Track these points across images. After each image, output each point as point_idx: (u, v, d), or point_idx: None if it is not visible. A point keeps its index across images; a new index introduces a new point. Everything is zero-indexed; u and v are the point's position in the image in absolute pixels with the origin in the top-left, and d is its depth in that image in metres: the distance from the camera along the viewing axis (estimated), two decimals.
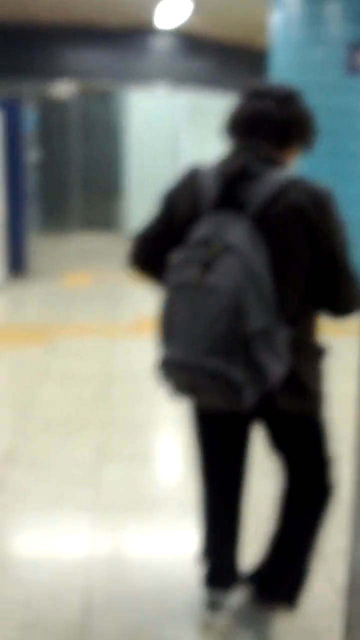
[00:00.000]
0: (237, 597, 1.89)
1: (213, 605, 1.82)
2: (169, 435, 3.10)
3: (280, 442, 1.68)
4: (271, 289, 1.37)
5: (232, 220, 1.38)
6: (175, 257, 1.41)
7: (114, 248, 9.10)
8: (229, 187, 1.43)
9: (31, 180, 6.44)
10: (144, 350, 4.40)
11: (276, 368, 1.39)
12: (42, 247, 7.26)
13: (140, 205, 10.13)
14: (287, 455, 1.70)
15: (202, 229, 1.40)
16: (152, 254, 1.58)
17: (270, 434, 1.67)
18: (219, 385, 1.35)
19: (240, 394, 1.35)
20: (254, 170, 1.43)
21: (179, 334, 1.39)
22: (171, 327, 1.41)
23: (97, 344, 4.48)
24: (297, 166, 1.92)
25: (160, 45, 9.74)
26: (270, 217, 1.40)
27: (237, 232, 1.36)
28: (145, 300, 5.90)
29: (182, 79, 9.81)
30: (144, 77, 9.72)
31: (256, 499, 2.02)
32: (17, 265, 6.37)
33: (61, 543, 2.22)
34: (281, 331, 1.40)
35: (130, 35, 9.50)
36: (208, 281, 1.33)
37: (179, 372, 1.41)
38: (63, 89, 9.58)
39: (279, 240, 1.40)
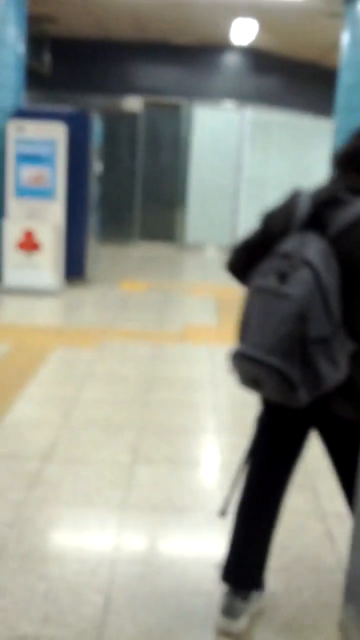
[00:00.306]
0: (256, 604, 1.88)
1: (230, 611, 1.83)
2: (204, 442, 3.12)
3: (335, 452, 1.79)
4: (337, 305, 1.53)
5: (314, 239, 1.56)
6: (261, 265, 1.62)
7: (172, 258, 9.26)
8: (317, 211, 1.62)
9: (95, 190, 6.65)
10: (187, 358, 4.49)
11: (332, 375, 1.53)
12: (101, 255, 7.46)
13: (199, 219, 10.26)
14: (341, 464, 1.80)
15: (287, 244, 1.59)
16: (245, 263, 1.80)
17: (327, 443, 1.80)
18: (277, 381, 1.51)
19: (295, 391, 1.51)
20: (342, 198, 1.61)
21: (251, 331, 1.58)
22: (247, 324, 1.61)
23: (144, 349, 4.57)
24: None
25: (228, 62, 9.86)
26: (346, 242, 1.56)
27: (315, 250, 1.53)
28: (194, 311, 6.02)
29: (249, 95, 9.89)
30: (211, 93, 9.87)
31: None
32: (77, 271, 6.59)
33: (88, 540, 2.27)
34: (342, 343, 1.54)
35: (199, 52, 9.67)
36: (283, 289, 1.51)
37: (245, 364, 1.60)
38: (132, 102, 9.86)
39: (351, 263, 1.55)
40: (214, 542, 2.28)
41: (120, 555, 2.17)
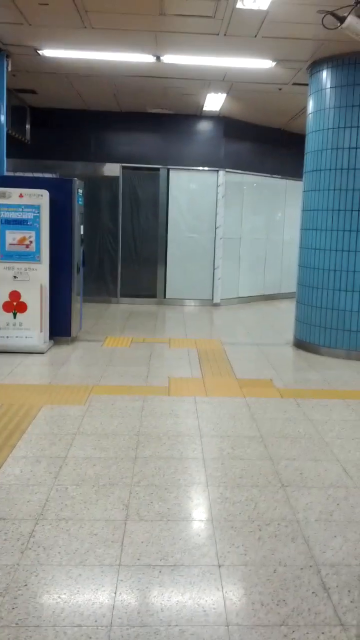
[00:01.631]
0: None
1: None
2: (195, 496, 3.14)
3: None
4: None
5: None
6: None
7: (153, 314, 9.40)
8: None
9: (78, 251, 6.84)
10: (174, 412, 4.54)
11: None
12: (85, 313, 7.57)
13: (179, 275, 10.50)
14: None
15: None
16: None
17: None
18: None
19: None
20: None
21: None
22: None
23: (131, 404, 4.61)
24: None
25: (201, 129, 10.35)
26: None
27: None
28: (177, 365, 6.12)
29: (221, 159, 10.35)
30: (186, 157, 10.30)
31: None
32: (62, 329, 6.70)
33: (83, 603, 2.24)
34: None
35: (174, 121, 10.15)
36: None
37: None
38: (111, 168, 10.23)
39: None
40: (210, 599, 2.29)
41: (116, 619, 2.16)
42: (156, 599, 2.28)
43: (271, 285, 11.70)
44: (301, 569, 2.51)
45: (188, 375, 5.65)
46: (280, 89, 8.03)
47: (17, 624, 2.11)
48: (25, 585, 2.34)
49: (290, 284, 10.80)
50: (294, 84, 7.65)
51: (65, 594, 2.30)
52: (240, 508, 3.02)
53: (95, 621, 2.14)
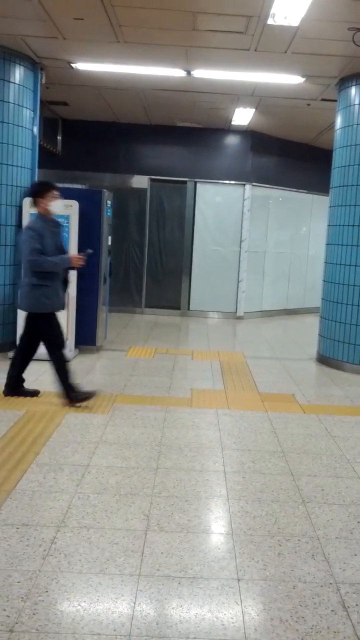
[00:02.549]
0: None
1: None
2: (215, 509, 3.15)
3: None
4: None
5: None
6: None
7: (177, 325, 9.44)
8: None
9: (105, 261, 6.93)
10: (196, 423, 4.55)
11: None
12: (110, 323, 7.64)
13: (203, 288, 10.54)
14: None
15: None
16: None
17: None
18: None
19: None
20: None
21: None
22: None
23: (153, 414, 4.64)
24: None
25: (229, 143, 10.42)
26: None
27: None
28: (200, 377, 6.12)
29: (248, 173, 10.39)
30: (213, 171, 10.37)
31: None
32: (87, 338, 6.79)
33: (102, 612, 2.25)
34: None
35: (202, 135, 10.24)
36: None
37: None
38: (139, 180, 10.34)
39: None
40: (229, 613, 2.29)
41: (135, 629, 2.17)
42: (175, 611, 2.29)
43: (295, 300, 11.65)
44: (321, 586, 2.49)
45: (210, 388, 5.65)
46: (308, 105, 8.06)
47: (37, 629, 2.13)
48: (46, 591, 2.37)
49: (314, 299, 10.75)
50: (323, 99, 7.67)
51: (85, 601, 2.32)
52: (261, 522, 3.01)
53: (114, 630, 2.15)
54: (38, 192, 4.77)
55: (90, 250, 5.02)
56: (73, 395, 4.75)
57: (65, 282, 4.84)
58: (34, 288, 4.64)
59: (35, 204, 4.78)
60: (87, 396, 4.79)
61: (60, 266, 4.71)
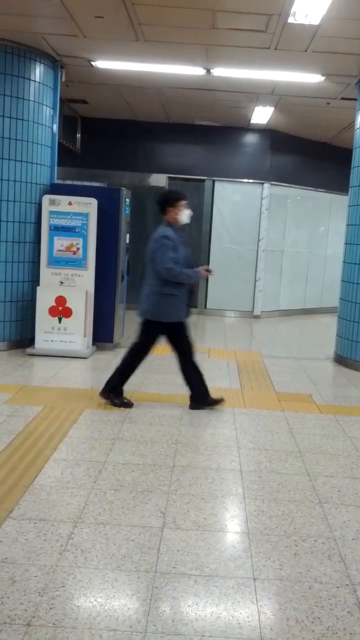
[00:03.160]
0: None
1: None
2: (231, 507, 3.15)
3: None
4: None
5: None
6: None
7: (194, 324, 9.43)
8: None
9: (123, 259, 6.95)
10: (213, 422, 4.55)
11: None
12: (128, 321, 7.67)
13: (220, 287, 10.52)
14: None
15: None
16: None
17: None
18: None
19: None
20: None
21: None
22: None
23: (170, 412, 4.65)
24: None
25: (247, 142, 10.39)
26: None
27: None
28: (217, 376, 6.11)
29: (266, 172, 10.35)
30: (231, 169, 10.35)
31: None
32: (105, 335, 6.84)
33: (119, 608, 2.26)
34: None
35: (220, 133, 10.22)
36: None
37: None
38: (158, 178, 10.36)
39: None
40: (244, 612, 2.29)
41: (151, 625, 2.18)
42: (191, 609, 2.29)
43: (312, 299, 11.59)
44: (337, 587, 2.48)
45: (227, 386, 5.65)
46: (328, 103, 8.00)
47: (54, 624, 2.15)
48: (63, 586, 2.39)
49: (331, 299, 10.68)
50: (343, 98, 7.61)
51: (101, 597, 2.33)
52: (277, 522, 3.01)
53: (130, 627, 2.17)
54: (169, 200, 4.64)
55: (213, 272, 4.94)
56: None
57: (190, 293, 4.77)
58: (163, 297, 4.58)
59: (164, 212, 4.65)
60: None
61: (193, 279, 4.68)
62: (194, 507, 3.12)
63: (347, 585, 2.50)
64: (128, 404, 4.77)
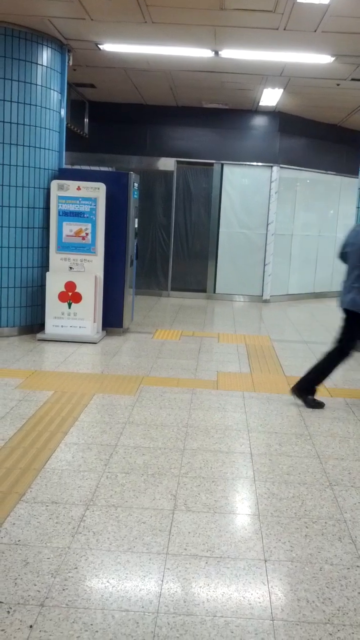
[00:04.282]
0: None
1: None
2: (242, 490, 3.16)
3: None
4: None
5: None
6: None
7: (203, 308, 9.43)
8: None
9: (132, 244, 6.94)
10: (222, 405, 4.56)
11: None
12: (137, 305, 7.69)
13: (229, 271, 10.48)
14: None
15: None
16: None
17: None
18: None
19: None
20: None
21: None
22: None
23: (180, 396, 4.67)
24: None
25: (256, 125, 10.27)
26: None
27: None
28: (226, 359, 6.12)
29: (275, 155, 10.25)
30: (240, 153, 10.25)
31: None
32: (114, 320, 6.85)
33: (131, 589, 2.29)
34: None
35: (229, 116, 10.11)
36: None
37: None
38: (166, 162, 10.29)
39: None
40: (255, 593, 2.31)
41: (163, 606, 2.21)
42: (202, 590, 2.32)
43: (322, 283, 11.52)
44: (347, 568, 2.50)
45: (237, 370, 5.65)
46: (338, 85, 7.88)
47: (67, 604, 2.19)
48: (76, 568, 2.42)
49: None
50: (353, 79, 7.49)
51: (113, 578, 2.36)
52: (287, 504, 3.02)
53: (142, 607, 2.19)
54: None
55: None
56: (311, 398, 4.65)
57: None
58: None
59: None
60: (318, 405, 4.65)
61: None
62: (204, 489, 3.14)
63: (358, 566, 2.51)
64: (320, 404, 4.65)
